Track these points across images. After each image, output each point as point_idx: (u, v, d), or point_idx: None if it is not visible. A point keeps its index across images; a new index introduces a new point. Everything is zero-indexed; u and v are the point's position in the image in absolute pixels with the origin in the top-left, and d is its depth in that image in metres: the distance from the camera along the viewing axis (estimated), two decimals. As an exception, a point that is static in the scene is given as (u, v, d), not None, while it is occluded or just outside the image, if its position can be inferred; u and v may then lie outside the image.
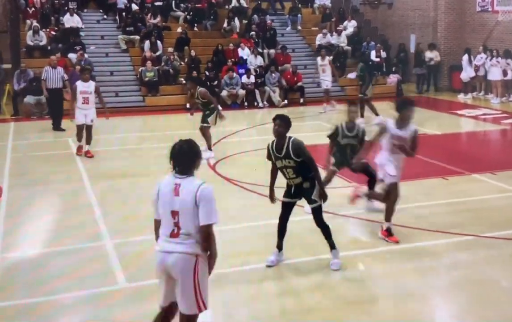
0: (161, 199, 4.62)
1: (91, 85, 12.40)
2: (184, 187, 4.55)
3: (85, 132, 12.40)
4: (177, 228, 4.53)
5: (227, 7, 23.33)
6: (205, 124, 12.43)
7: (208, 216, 4.48)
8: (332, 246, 6.88)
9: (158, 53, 20.14)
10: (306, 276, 6.74)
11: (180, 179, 4.62)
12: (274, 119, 6.83)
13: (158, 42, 20.35)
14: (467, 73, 20.43)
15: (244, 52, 20.75)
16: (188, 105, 18.75)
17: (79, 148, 12.59)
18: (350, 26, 23.44)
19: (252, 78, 19.53)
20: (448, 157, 12.42)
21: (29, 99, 17.57)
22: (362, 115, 15.73)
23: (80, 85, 12.31)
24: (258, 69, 20.04)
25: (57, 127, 15.38)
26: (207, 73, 19.37)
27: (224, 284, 6.43)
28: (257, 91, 19.32)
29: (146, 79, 19.17)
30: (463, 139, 15.38)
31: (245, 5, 23.60)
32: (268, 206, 8.99)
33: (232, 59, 20.07)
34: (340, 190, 10.09)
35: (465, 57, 20.42)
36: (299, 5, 24.27)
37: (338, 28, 22.90)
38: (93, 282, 6.59)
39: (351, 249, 7.53)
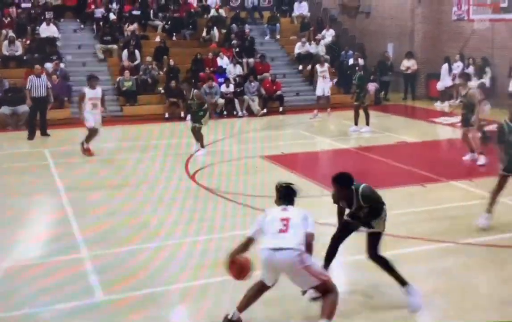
0: None
1: (98, 91, 13.31)
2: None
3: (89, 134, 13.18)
4: None
5: (206, 16, 23.32)
6: (197, 124, 13.29)
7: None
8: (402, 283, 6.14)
9: (136, 63, 20.02)
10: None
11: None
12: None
13: (136, 51, 20.23)
14: (443, 83, 20.66)
15: (223, 61, 20.74)
16: (167, 115, 18.69)
17: (88, 149, 13.20)
18: (328, 35, 23.59)
19: (231, 87, 19.51)
20: (426, 165, 12.50)
21: (4, 110, 17.29)
22: (356, 123, 15.82)
23: (88, 92, 13.17)
24: (237, 78, 20.03)
25: (43, 133, 15.79)
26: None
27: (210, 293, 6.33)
28: (236, 100, 19.30)
29: (124, 88, 19.03)
30: (441, 147, 15.51)
31: (224, 14, 23.62)
32: (250, 215, 8.96)
33: (211, 68, 20.05)
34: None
35: (445, 66, 20.65)
36: (278, 15, 24.36)
37: (316, 37, 23.02)
38: (69, 296, 6.45)
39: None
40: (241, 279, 5.61)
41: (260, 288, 5.56)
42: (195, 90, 13.70)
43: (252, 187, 10.77)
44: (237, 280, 5.66)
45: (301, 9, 24.75)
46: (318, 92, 18.55)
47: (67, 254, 7.69)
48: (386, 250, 7.49)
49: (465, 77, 12.87)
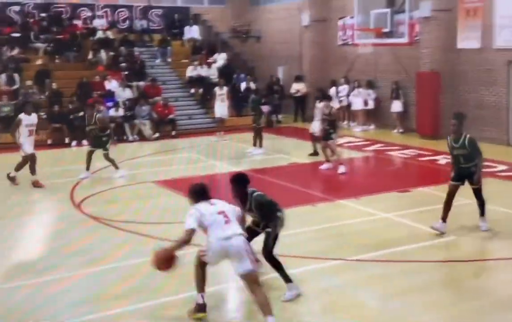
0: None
1: (34, 117, 12.90)
2: None
3: (30, 162, 12.57)
4: None
5: (91, 38, 22.51)
6: (104, 151, 13.31)
7: None
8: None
9: (15, 87, 18.83)
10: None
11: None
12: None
13: (15, 75, 19.06)
14: (334, 104, 21.34)
15: (111, 84, 20.05)
16: (50, 141, 17.68)
17: (37, 181, 12.53)
18: (220, 58, 23.64)
19: (121, 112, 18.87)
20: (316, 185, 12.73)
21: None
22: (255, 144, 15.87)
23: (24, 118, 12.60)
24: (127, 102, 19.42)
25: None
26: (70, 106, 18.43)
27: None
28: (126, 125, 18.67)
29: (2, 114, 17.81)
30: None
31: (111, 36, 22.93)
32: (139, 245, 8.53)
33: (98, 92, 19.30)
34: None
35: (333, 89, 21.35)
36: (168, 38, 24.05)
37: (208, 60, 22.99)
38: None
39: (219, 282, 7.29)
40: (165, 270, 6.26)
41: (203, 267, 6.31)
42: (99, 115, 13.83)
43: (142, 214, 10.36)
44: (161, 270, 6.25)
45: (192, 32, 24.64)
46: (216, 114, 18.71)
47: None
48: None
49: (328, 98, 14.78)
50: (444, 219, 8.87)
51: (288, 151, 16.31)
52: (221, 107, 18.57)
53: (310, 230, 9.31)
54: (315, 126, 14.65)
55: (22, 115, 12.82)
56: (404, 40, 16.50)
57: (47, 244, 8.94)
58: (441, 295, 6.90)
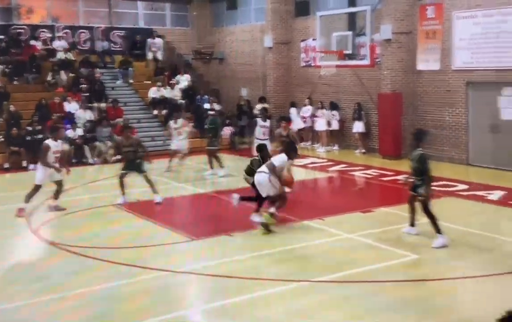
0: None
1: (60, 143, 12.34)
2: None
3: (55, 187, 12.14)
4: None
5: (51, 59, 22.09)
6: (144, 172, 12.91)
7: None
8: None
9: (-30, 110, 18.30)
10: None
11: None
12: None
13: (-29, 98, 18.53)
14: (296, 125, 21.42)
15: (71, 106, 19.66)
16: (7, 165, 17.16)
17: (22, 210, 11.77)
18: (183, 79, 23.53)
19: (79, 131, 18.48)
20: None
21: None
22: (212, 167, 15.70)
23: (52, 145, 11.94)
24: (87, 124, 19.05)
25: None
26: (29, 128, 17.96)
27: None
28: (86, 147, 18.29)
29: (-41, 137, 17.23)
30: (295, 187, 15.84)
31: (72, 58, 22.56)
32: (99, 270, 8.31)
33: (58, 114, 18.89)
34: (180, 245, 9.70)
35: (293, 110, 21.46)
36: (130, 59, 23.80)
37: (171, 81, 22.83)
38: None
39: (183, 307, 7.11)
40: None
41: None
42: (134, 136, 13.71)
43: (102, 239, 10.06)
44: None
45: (155, 46, 24.39)
46: (173, 147, 16.86)
47: None
48: (241, 294, 7.33)
49: (287, 119, 15.10)
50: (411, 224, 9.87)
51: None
52: (177, 141, 16.72)
53: (274, 252, 9.21)
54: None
55: (49, 141, 12.13)
56: (366, 62, 16.71)
57: (2, 271, 8.56)
58: (405, 315, 6.87)
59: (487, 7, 16.00)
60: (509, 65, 15.55)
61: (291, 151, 10.63)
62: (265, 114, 15.55)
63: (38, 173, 12.02)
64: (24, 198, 11.81)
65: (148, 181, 12.84)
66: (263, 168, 10.33)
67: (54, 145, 12.03)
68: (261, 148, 11.57)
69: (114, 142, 18.44)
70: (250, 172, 11.05)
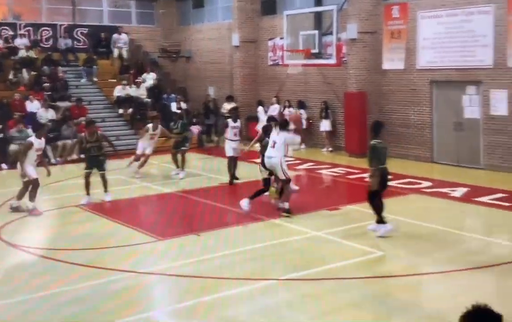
0: None
1: (43, 141, 12.28)
2: None
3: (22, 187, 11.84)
4: None
5: (13, 58, 21.54)
6: (103, 171, 12.69)
7: None
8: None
9: None
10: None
11: None
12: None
13: None
14: (262, 124, 21.37)
15: (33, 105, 19.19)
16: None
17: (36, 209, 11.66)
18: (149, 78, 23.25)
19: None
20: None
21: None
22: (178, 166, 15.50)
23: (35, 141, 11.83)
24: (49, 123, 18.61)
25: None
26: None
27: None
28: (48, 147, 17.84)
29: None
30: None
31: (34, 56, 22.04)
32: (63, 272, 8.15)
33: (19, 113, 18.41)
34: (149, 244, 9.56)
35: (260, 109, 21.42)
36: (95, 57, 23.37)
37: (137, 80, 22.53)
38: None
39: (148, 309, 6.98)
40: None
41: None
42: (100, 132, 13.38)
43: (66, 240, 9.85)
44: None
45: (120, 42, 24.00)
46: (139, 150, 15.82)
47: None
48: (208, 294, 7.25)
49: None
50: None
51: (218, 171, 16.13)
52: (148, 146, 15.77)
53: (242, 250, 9.16)
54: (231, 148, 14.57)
55: (33, 139, 12.03)
56: (332, 61, 16.81)
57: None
58: (371, 311, 6.91)
59: (451, 7, 16.26)
60: (472, 65, 15.85)
61: (284, 125, 11.73)
62: (235, 114, 15.40)
63: (28, 170, 11.67)
64: (29, 198, 11.63)
65: (103, 179, 12.66)
66: (274, 152, 11.09)
67: (38, 143, 11.87)
68: (267, 129, 12.05)
69: (78, 139, 18.11)
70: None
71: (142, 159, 15.70)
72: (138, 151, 15.85)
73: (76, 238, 10.00)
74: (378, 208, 9.68)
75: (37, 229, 10.80)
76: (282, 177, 11.18)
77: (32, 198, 11.68)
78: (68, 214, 11.79)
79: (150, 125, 15.91)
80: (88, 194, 12.41)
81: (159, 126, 15.96)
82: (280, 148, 11.14)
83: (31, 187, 11.74)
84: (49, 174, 12.19)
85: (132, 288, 7.68)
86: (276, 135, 11.23)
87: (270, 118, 13.89)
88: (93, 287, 7.64)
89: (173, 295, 7.69)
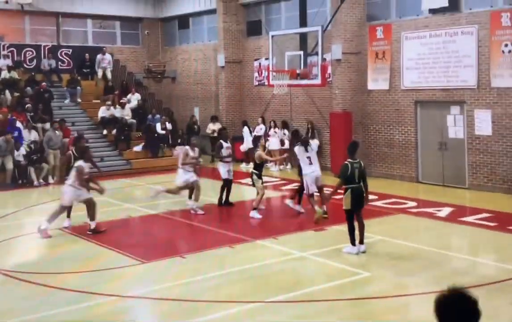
0: None
1: (88, 165, 12.15)
2: None
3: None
4: None
5: (-5, 78, 21.36)
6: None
7: None
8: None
9: None
10: None
11: None
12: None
13: None
14: (247, 145, 21.34)
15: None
16: None
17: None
18: (134, 99, 23.12)
19: (22, 151, 17.85)
20: (233, 226, 12.47)
21: None
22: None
23: (85, 166, 11.73)
24: (32, 145, 18.39)
25: None
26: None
27: None
28: (31, 169, 17.62)
29: None
30: (247, 207, 15.71)
31: (17, 76, 21.84)
32: (46, 296, 8.00)
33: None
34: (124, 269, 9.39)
35: (245, 129, 21.38)
36: (78, 78, 23.20)
37: (121, 101, 22.40)
38: None
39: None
40: None
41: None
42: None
43: (49, 264, 9.66)
44: None
45: (104, 62, 23.87)
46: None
47: None
48: (193, 317, 7.10)
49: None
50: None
51: (204, 192, 15.98)
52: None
53: (228, 272, 9.05)
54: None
55: (82, 162, 11.78)
56: (317, 81, 16.83)
57: None
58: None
59: (435, 28, 16.43)
60: (456, 85, 15.97)
61: (299, 138, 13.12)
62: (226, 135, 15.33)
63: (68, 193, 11.60)
64: (47, 217, 11.41)
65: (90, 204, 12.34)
66: (315, 166, 12.54)
67: (88, 167, 11.90)
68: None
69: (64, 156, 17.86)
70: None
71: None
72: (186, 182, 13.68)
73: (60, 262, 9.81)
74: (349, 228, 9.72)
75: (17, 253, 10.59)
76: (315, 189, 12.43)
77: (51, 218, 11.51)
78: (51, 237, 11.55)
79: (188, 148, 14.07)
80: (68, 216, 12.20)
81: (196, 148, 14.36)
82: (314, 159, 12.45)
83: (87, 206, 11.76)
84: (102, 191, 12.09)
85: (117, 312, 7.51)
86: (306, 151, 12.42)
87: (256, 138, 13.94)
88: (78, 311, 7.46)
89: (158, 319, 7.54)
